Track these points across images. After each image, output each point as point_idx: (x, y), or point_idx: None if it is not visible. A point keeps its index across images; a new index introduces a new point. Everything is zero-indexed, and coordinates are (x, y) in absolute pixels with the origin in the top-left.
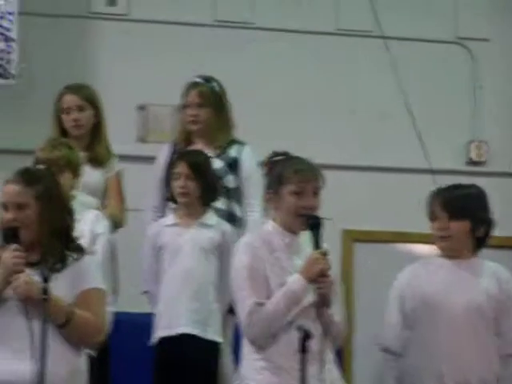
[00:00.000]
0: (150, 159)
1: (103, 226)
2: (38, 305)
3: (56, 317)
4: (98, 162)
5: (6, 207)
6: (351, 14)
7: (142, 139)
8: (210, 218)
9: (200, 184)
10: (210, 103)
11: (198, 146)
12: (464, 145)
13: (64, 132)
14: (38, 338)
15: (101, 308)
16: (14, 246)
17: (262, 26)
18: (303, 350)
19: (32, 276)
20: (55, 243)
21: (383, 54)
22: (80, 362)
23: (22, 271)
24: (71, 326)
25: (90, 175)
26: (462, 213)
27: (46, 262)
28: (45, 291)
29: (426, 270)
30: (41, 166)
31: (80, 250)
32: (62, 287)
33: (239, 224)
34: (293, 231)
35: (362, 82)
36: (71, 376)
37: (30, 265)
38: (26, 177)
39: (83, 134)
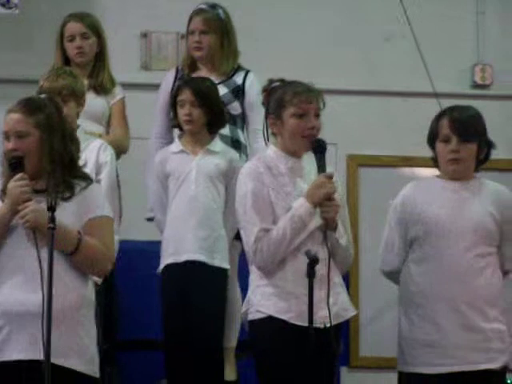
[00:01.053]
0: (153, 87)
1: (108, 155)
2: (46, 233)
3: (65, 244)
4: (101, 89)
5: (7, 136)
6: None
7: (146, 67)
8: (217, 144)
9: (205, 111)
10: (215, 30)
11: (203, 72)
12: (468, 68)
13: (67, 60)
14: (47, 266)
15: (109, 236)
16: (20, 174)
17: None
18: (311, 274)
19: (39, 204)
20: (59, 171)
21: None
22: (88, 290)
23: (29, 199)
24: (80, 253)
25: (94, 102)
26: (472, 136)
27: (53, 190)
28: (51, 220)
29: (426, 191)
30: (43, 95)
31: (86, 179)
32: (69, 216)
33: (244, 151)
34: (295, 155)
35: (366, 6)
36: (79, 304)
37: (37, 192)
38: (27, 106)
39: (86, 62)
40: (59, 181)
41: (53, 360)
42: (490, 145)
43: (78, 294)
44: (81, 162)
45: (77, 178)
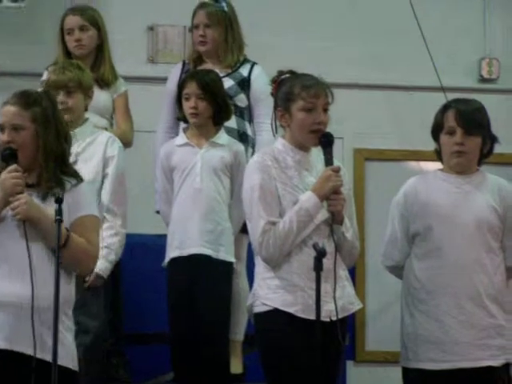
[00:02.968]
0: (159, 80)
1: (116, 148)
2: (36, 226)
3: (52, 239)
4: (103, 82)
5: (2, 129)
6: None
7: (152, 60)
8: (222, 137)
9: (211, 104)
10: (219, 23)
11: (208, 65)
12: (475, 62)
13: (69, 53)
14: (35, 259)
15: (95, 235)
16: (14, 166)
17: None
18: (318, 267)
19: (30, 196)
20: (51, 167)
21: None
22: (71, 288)
23: (21, 192)
24: (68, 249)
25: (97, 96)
26: (477, 128)
27: (43, 184)
28: (58, 212)
29: (428, 185)
30: (40, 89)
31: (77, 176)
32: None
33: (251, 143)
34: (303, 148)
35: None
36: (62, 300)
37: (28, 186)
38: (24, 99)
39: (86, 55)
40: (51, 176)
41: (43, 356)
42: (493, 139)
43: (63, 291)
44: (88, 156)
45: (67, 174)
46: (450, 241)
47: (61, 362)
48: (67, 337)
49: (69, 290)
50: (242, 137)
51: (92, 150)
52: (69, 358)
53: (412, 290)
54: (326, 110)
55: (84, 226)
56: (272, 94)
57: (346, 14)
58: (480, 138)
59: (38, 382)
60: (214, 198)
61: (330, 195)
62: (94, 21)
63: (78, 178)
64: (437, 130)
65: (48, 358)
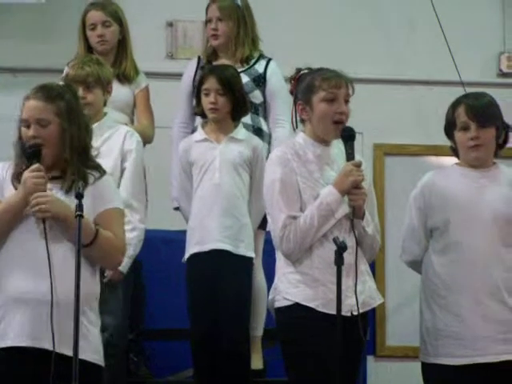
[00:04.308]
0: (178, 76)
1: (134, 142)
2: (63, 222)
3: (83, 235)
4: (125, 78)
5: (27, 124)
6: None
7: (171, 56)
8: (240, 132)
9: (230, 99)
10: (230, 17)
11: (223, 60)
12: (494, 56)
13: (90, 48)
14: (59, 256)
15: (120, 228)
16: (36, 165)
17: None
18: (339, 261)
19: (52, 191)
20: (76, 160)
21: None
22: (96, 283)
23: (43, 191)
24: (96, 244)
25: (118, 91)
26: (490, 120)
27: (68, 178)
28: (79, 207)
29: (445, 180)
30: (61, 83)
31: (99, 169)
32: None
33: (266, 139)
34: (324, 142)
35: None
36: (86, 295)
37: (53, 179)
38: (47, 93)
39: (108, 50)
40: (75, 169)
41: (60, 350)
42: (507, 128)
43: (84, 285)
44: (106, 150)
45: (90, 167)
46: (469, 235)
47: (84, 356)
48: (91, 330)
49: (94, 283)
50: (257, 132)
51: (110, 144)
52: (93, 352)
53: (431, 284)
54: (346, 102)
55: (110, 219)
56: (291, 92)
57: (365, 8)
58: (494, 129)
59: (61, 377)
60: (233, 193)
61: (351, 190)
62: (117, 16)
63: (101, 171)
64: (450, 128)
65: (71, 353)
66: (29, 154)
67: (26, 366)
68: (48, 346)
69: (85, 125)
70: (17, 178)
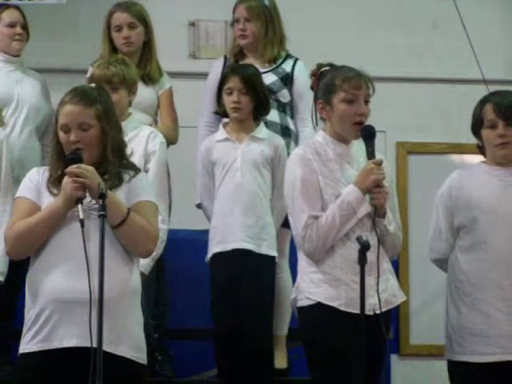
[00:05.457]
0: (201, 75)
1: (157, 143)
2: (99, 220)
3: (115, 214)
4: (149, 79)
5: (67, 129)
6: None
7: (194, 55)
8: (262, 131)
9: (253, 98)
10: (258, 17)
11: (250, 60)
12: None
13: (115, 50)
14: (94, 257)
15: (154, 218)
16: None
17: None
18: (362, 260)
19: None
20: (115, 161)
21: None
22: (134, 278)
23: (83, 197)
24: (127, 226)
25: (142, 92)
26: None
27: (107, 179)
28: (102, 208)
29: (472, 178)
30: (92, 85)
31: (134, 168)
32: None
33: (294, 138)
34: (344, 141)
35: None
36: (125, 291)
37: None
38: (84, 97)
39: (134, 52)
40: (113, 170)
41: (103, 347)
42: None
43: (123, 282)
44: (129, 151)
45: (125, 167)
46: (495, 233)
47: (126, 353)
48: (133, 327)
49: (135, 279)
50: (285, 131)
51: (134, 145)
52: (135, 349)
53: (457, 282)
54: (367, 102)
55: (143, 210)
56: (312, 88)
57: (387, 6)
58: None
59: (105, 374)
60: (254, 192)
61: (372, 188)
62: (142, 17)
63: (136, 169)
64: (477, 126)
65: (115, 350)
66: (69, 161)
67: (74, 366)
68: (90, 343)
69: (119, 125)
70: (52, 182)
